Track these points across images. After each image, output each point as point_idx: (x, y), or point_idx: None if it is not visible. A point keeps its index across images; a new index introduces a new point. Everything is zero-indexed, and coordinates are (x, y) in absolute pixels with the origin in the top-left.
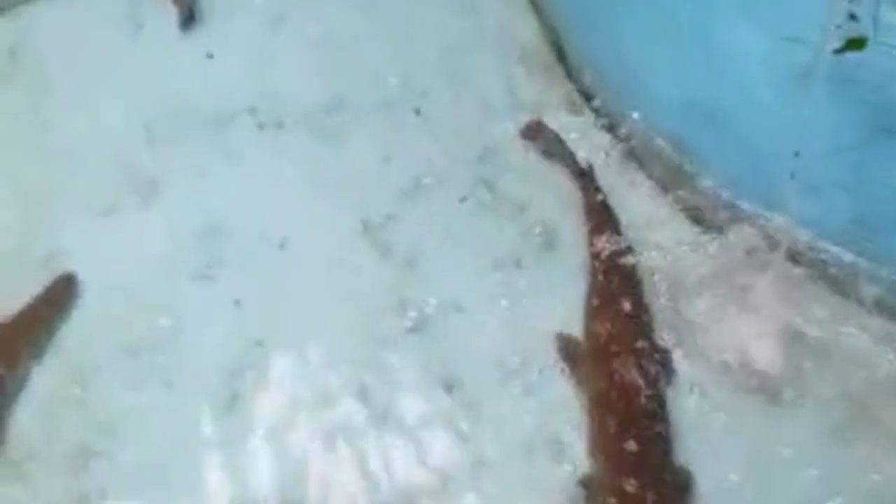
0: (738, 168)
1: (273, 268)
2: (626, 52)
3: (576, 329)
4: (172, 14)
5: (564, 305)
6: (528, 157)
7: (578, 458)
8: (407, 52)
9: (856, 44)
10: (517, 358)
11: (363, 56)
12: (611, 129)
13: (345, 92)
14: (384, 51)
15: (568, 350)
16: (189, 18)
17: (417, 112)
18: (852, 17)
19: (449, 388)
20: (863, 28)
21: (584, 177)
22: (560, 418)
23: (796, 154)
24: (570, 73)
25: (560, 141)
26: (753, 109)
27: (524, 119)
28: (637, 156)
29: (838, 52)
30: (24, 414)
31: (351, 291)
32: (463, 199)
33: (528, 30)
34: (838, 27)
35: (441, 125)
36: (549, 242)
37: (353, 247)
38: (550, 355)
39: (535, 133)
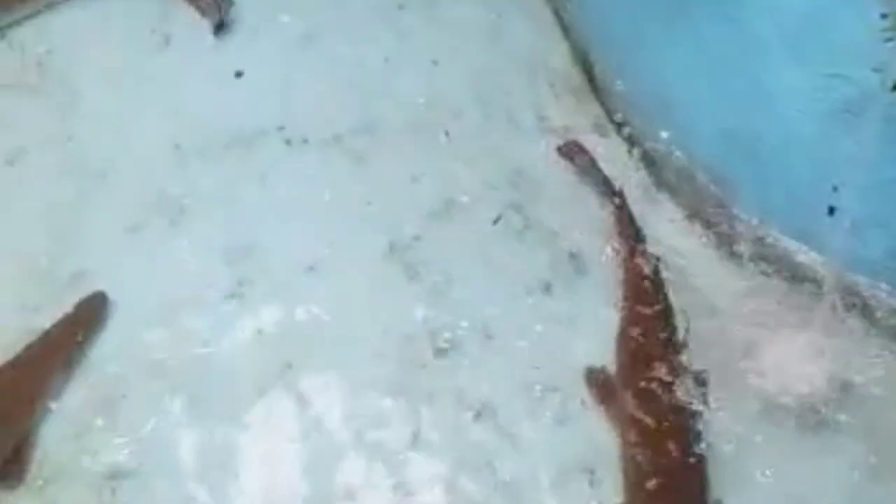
0: (773, 199)
1: (303, 289)
2: (662, 78)
3: (607, 358)
4: (201, 27)
5: (595, 332)
6: (559, 180)
7: (610, 489)
8: (436, 73)
9: None
10: (549, 385)
11: (392, 76)
12: (640, 153)
13: (373, 112)
14: (413, 72)
15: (599, 383)
16: (221, 25)
17: (447, 134)
18: None
19: (479, 414)
20: None
21: (618, 201)
22: (592, 448)
23: (835, 188)
24: (599, 96)
25: (594, 163)
26: (793, 142)
27: (554, 141)
28: (667, 181)
29: (883, 91)
30: (51, 434)
31: (381, 314)
32: (497, 220)
33: (557, 53)
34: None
35: (470, 147)
36: (580, 268)
37: (382, 269)
38: (582, 384)
39: (572, 152)
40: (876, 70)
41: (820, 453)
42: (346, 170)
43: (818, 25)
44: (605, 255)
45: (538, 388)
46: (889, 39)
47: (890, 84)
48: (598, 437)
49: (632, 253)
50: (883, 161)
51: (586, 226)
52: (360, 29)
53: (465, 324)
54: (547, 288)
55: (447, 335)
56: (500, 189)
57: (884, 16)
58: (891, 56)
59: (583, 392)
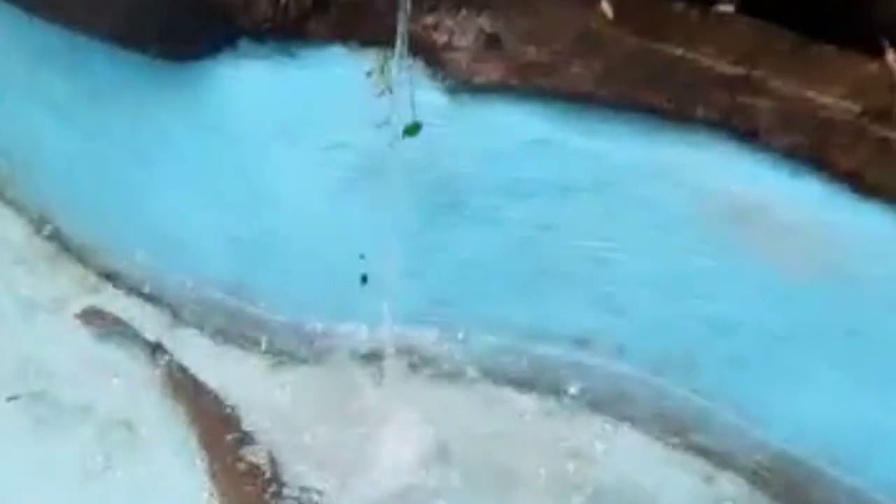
0: (308, 291)
1: None
2: (150, 218)
3: None
4: None
5: (178, 490)
6: (76, 353)
7: None
8: None
9: (411, 130)
10: None
11: None
12: (150, 298)
13: None
14: None
15: None
16: None
17: None
18: (395, 107)
19: None
20: (406, 114)
21: (160, 352)
22: None
23: (362, 256)
24: (79, 257)
25: (120, 322)
26: (306, 226)
27: (49, 317)
28: (191, 315)
29: (392, 144)
30: None
31: None
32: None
33: (14, 231)
34: (386, 122)
35: None
36: (133, 433)
37: None
38: None
39: (94, 320)
40: (379, 125)
41: None
42: None
43: (303, 106)
44: (157, 409)
45: None
46: (381, 93)
47: (401, 132)
48: None
49: (194, 402)
50: (399, 215)
51: (123, 388)
52: None
53: None
54: (105, 468)
55: None
56: (13, 386)
57: (368, 74)
58: (389, 107)
59: None
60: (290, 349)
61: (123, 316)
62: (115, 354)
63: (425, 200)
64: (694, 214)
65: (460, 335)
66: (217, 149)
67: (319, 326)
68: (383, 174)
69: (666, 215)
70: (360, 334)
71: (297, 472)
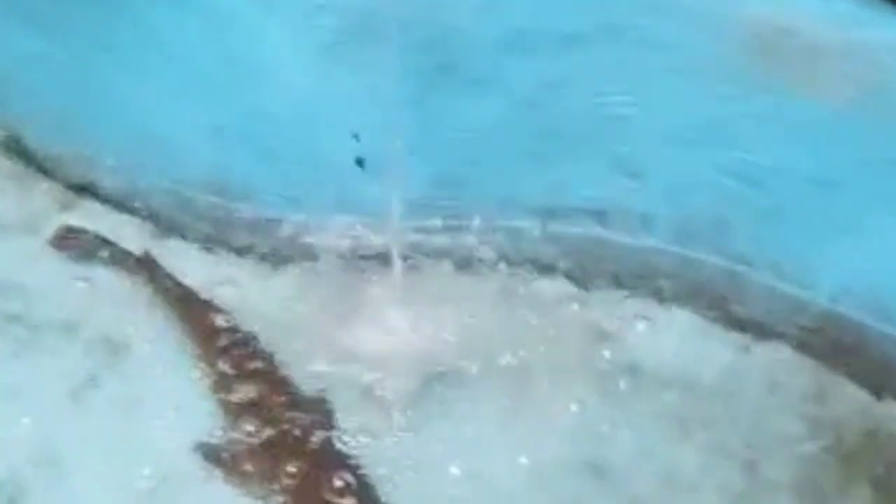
0: (299, 182)
1: None
2: (120, 113)
3: (199, 430)
4: None
5: (168, 402)
6: (53, 272)
7: None
8: None
9: None
10: (156, 476)
11: None
12: (128, 207)
13: None
14: None
15: (217, 455)
16: None
17: None
18: None
19: None
20: None
21: (148, 264)
22: None
23: (356, 137)
24: (49, 170)
25: (99, 237)
26: (292, 105)
27: (22, 240)
28: (174, 222)
29: None
30: None
31: None
32: None
33: None
34: None
35: None
36: (119, 347)
37: None
38: (191, 467)
39: (69, 240)
40: None
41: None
42: None
43: None
44: (144, 323)
45: (145, 484)
46: None
47: None
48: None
49: (191, 312)
50: (400, 81)
51: (106, 303)
52: None
53: (22, 457)
54: (93, 382)
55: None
56: None
57: None
58: None
59: (199, 474)
60: (283, 249)
61: (101, 229)
62: (97, 270)
63: (420, 64)
64: (714, 52)
65: (470, 219)
66: (190, 26)
67: (314, 221)
68: (373, 36)
69: (683, 57)
70: (359, 226)
71: (301, 374)
